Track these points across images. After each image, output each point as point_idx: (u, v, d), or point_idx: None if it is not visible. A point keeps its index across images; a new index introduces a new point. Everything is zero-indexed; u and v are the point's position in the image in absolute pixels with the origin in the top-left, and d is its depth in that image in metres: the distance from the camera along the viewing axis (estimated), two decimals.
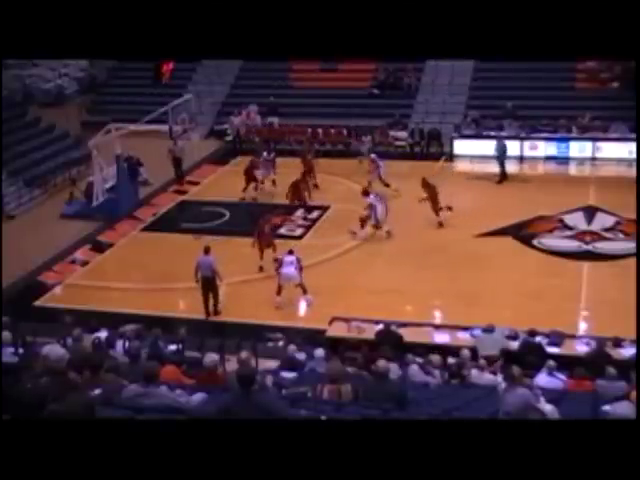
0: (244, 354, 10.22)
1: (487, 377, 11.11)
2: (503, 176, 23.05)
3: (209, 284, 15.61)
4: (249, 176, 22.15)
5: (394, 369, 9.91)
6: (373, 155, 22.68)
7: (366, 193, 19.42)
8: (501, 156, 23.10)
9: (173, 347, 12.46)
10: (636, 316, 10.49)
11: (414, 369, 11.12)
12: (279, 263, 15.99)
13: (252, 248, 17.28)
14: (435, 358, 11.65)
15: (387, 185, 21.58)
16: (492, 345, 12.44)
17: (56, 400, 5.09)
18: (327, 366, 9.19)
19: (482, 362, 11.48)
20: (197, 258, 15.69)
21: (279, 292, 15.95)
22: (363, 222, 19.01)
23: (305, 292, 16.04)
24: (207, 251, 15.69)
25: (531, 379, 10.13)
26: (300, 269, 15.93)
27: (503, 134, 25.09)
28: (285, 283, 15.94)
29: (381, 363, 8.17)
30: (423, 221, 20.13)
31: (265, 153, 22.91)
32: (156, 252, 19.37)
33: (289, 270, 15.80)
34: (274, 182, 22.55)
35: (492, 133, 24.97)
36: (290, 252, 16.22)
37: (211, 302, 15.77)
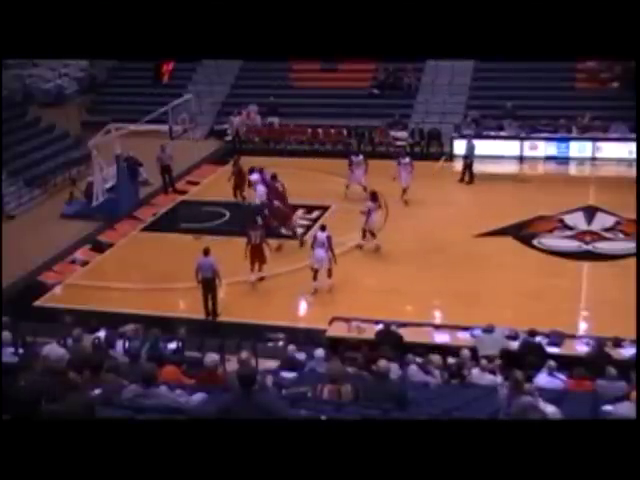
0: (244, 354, 10.23)
1: (487, 377, 11.10)
2: (470, 177, 22.95)
3: (209, 285, 15.59)
4: (240, 179, 21.83)
5: (394, 369, 9.91)
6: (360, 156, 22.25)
7: (373, 197, 18.52)
8: (470, 156, 23.05)
9: (173, 347, 12.47)
10: (636, 316, 10.48)
11: (414, 369, 11.11)
12: (313, 239, 16.39)
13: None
14: (435, 358, 11.65)
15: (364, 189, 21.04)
16: (492, 345, 12.44)
17: (56, 400, 5.08)
18: (327, 366, 9.21)
19: (484, 362, 11.47)
20: (197, 260, 15.65)
21: (315, 277, 16.25)
22: (364, 232, 18.32)
23: (329, 276, 16.31)
24: (207, 252, 15.62)
25: (531, 380, 10.12)
26: (331, 250, 16.12)
27: (503, 133, 25.15)
28: (317, 266, 16.15)
29: (381, 363, 8.17)
30: (423, 221, 20.14)
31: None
32: (156, 252, 19.35)
33: (320, 252, 16.04)
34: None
35: (491, 133, 25.00)
36: (323, 229, 16.50)
37: (210, 304, 15.73)
